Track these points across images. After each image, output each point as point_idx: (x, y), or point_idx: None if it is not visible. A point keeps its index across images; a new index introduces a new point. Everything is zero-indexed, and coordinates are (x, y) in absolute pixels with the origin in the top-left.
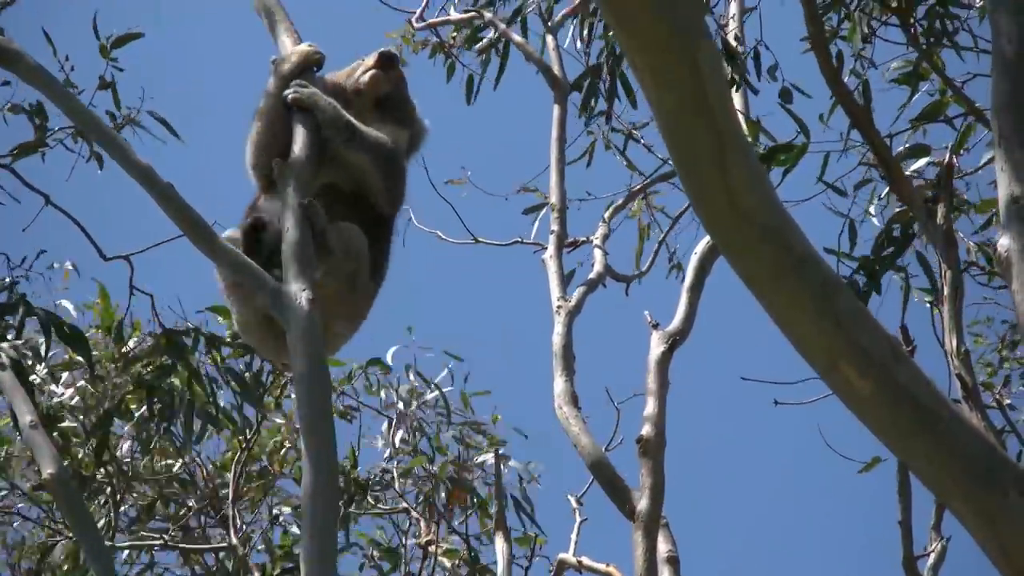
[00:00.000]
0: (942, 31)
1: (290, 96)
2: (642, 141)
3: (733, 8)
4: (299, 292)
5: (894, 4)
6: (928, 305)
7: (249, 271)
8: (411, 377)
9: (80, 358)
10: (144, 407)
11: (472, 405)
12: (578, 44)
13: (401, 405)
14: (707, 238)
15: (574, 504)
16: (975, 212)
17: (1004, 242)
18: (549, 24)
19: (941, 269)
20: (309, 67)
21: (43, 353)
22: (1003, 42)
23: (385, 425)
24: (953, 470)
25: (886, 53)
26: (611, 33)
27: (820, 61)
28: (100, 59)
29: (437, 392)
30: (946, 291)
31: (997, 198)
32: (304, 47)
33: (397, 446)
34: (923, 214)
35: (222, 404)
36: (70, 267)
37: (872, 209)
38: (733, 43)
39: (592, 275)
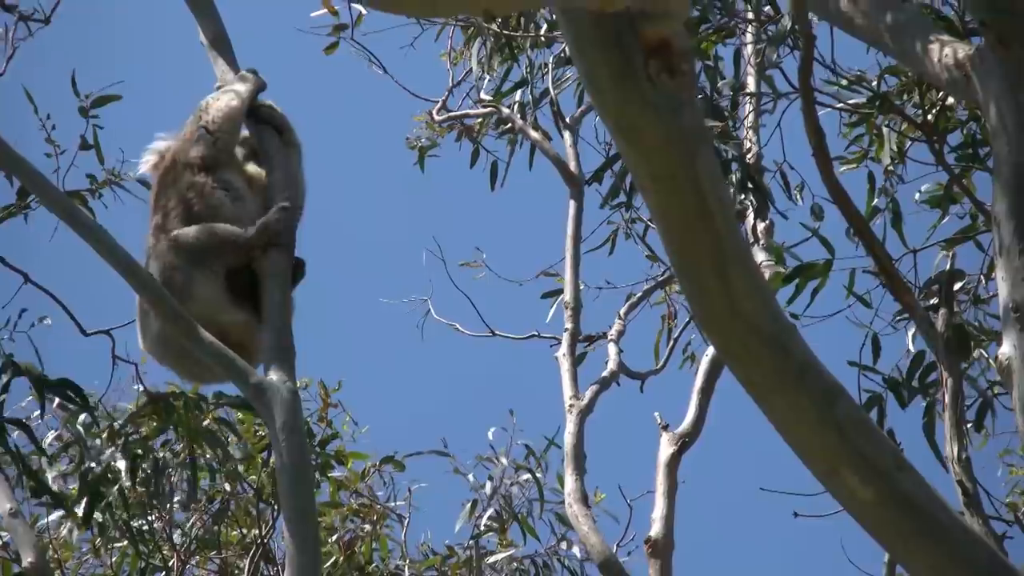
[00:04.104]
0: (973, 154)
1: (266, 105)
2: None
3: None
4: (281, 384)
5: (920, 121)
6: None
7: (229, 362)
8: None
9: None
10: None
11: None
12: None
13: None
14: None
15: None
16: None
17: (1005, 350)
18: (567, 121)
19: (942, 376)
20: (259, 91)
21: (41, 413)
22: (1003, 161)
23: (469, 505)
24: None
25: (915, 172)
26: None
27: (820, 167)
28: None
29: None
30: (947, 398)
31: None
32: (251, 74)
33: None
34: (925, 323)
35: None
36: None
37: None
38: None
39: (605, 373)
